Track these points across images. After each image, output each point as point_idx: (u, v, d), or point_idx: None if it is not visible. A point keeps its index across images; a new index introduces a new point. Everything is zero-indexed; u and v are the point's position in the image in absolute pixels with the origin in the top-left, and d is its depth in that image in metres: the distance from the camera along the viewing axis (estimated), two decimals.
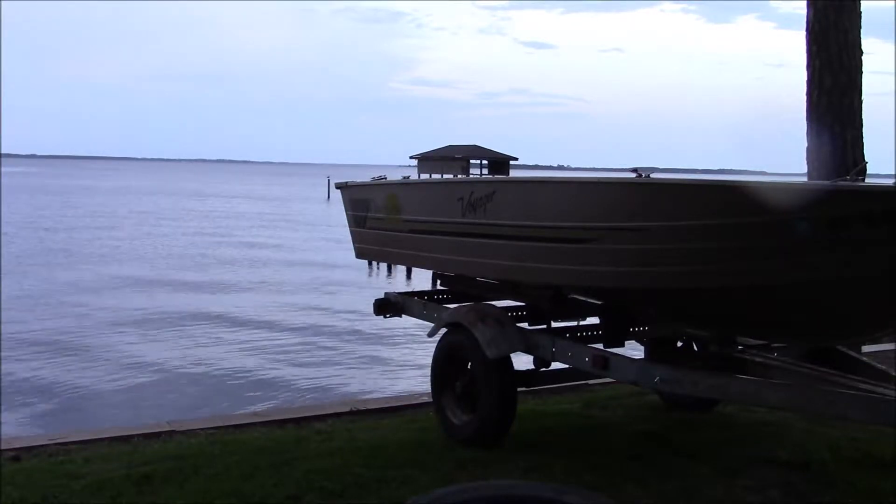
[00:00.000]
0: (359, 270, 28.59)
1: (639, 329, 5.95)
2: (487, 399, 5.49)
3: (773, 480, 4.97)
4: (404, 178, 7.06)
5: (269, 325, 20.02)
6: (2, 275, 26.21)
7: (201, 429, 6.42)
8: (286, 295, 25.17)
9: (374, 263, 27.95)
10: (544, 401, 6.85)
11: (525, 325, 5.85)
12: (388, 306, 6.94)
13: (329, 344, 17.97)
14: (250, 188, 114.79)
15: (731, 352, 5.38)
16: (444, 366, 5.94)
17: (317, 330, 19.63)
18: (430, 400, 6.24)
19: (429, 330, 6.23)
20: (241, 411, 10.34)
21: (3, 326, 18.07)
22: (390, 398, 8.48)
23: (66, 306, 21.83)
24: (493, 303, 6.04)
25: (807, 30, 8.12)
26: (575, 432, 6.05)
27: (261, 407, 11.79)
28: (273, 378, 14.83)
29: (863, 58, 8.04)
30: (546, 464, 5.16)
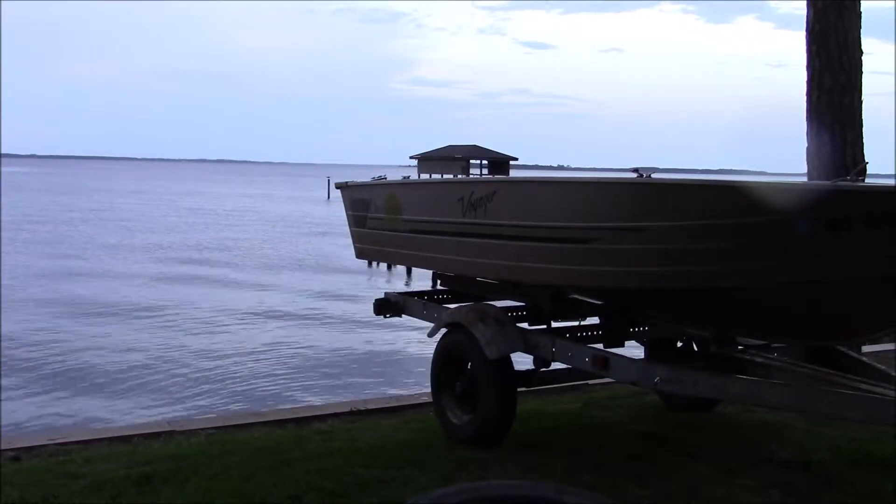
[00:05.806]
0: (358, 270, 28.60)
1: (639, 329, 5.95)
2: (487, 399, 5.49)
3: (773, 480, 4.97)
4: (404, 178, 7.05)
5: (269, 325, 20.01)
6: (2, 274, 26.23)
7: (201, 429, 6.42)
8: (287, 294, 25.17)
9: (374, 263, 27.94)
10: (544, 401, 6.84)
11: (525, 325, 5.85)
12: (387, 306, 6.94)
13: (329, 344, 17.95)
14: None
15: (731, 352, 5.38)
16: (445, 366, 5.93)
17: (316, 329, 19.63)
18: (430, 400, 6.24)
19: (429, 330, 6.23)
20: (242, 411, 10.33)
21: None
22: (390, 398, 8.47)
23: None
24: (493, 303, 6.04)
25: (807, 30, 8.12)
26: (575, 432, 6.04)
27: (261, 407, 11.78)
28: (273, 378, 14.82)
29: (863, 58, 8.04)
30: (546, 464, 5.16)
